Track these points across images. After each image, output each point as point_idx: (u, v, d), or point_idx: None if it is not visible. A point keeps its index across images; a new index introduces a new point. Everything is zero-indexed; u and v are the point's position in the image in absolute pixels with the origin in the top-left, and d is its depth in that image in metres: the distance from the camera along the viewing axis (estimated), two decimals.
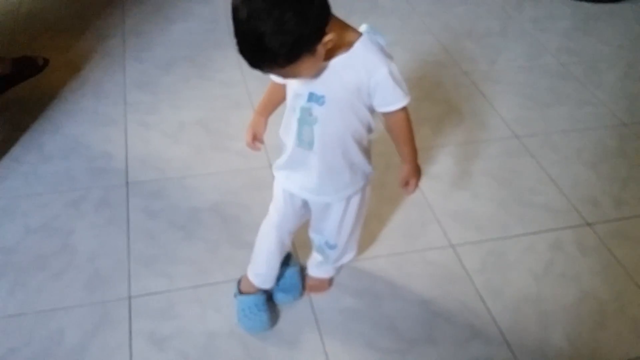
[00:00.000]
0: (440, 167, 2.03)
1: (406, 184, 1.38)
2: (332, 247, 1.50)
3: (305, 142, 1.24)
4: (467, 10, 2.90)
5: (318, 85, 1.16)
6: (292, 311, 1.57)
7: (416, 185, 1.38)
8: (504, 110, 2.28)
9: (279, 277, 1.55)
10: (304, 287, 1.61)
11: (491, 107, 2.30)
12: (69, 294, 1.59)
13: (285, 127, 1.28)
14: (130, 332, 1.51)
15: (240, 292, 1.53)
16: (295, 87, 1.20)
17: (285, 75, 1.13)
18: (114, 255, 1.69)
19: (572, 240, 1.80)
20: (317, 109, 1.19)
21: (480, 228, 1.82)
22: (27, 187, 1.89)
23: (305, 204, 1.40)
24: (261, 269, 1.50)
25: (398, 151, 1.34)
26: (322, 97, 1.17)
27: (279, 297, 1.57)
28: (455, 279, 1.68)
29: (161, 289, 1.61)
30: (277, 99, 1.33)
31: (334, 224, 1.43)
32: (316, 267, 1.60)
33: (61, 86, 2.29)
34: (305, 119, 1.21)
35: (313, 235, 1.52)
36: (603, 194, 1.96)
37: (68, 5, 2.79)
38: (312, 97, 1.18)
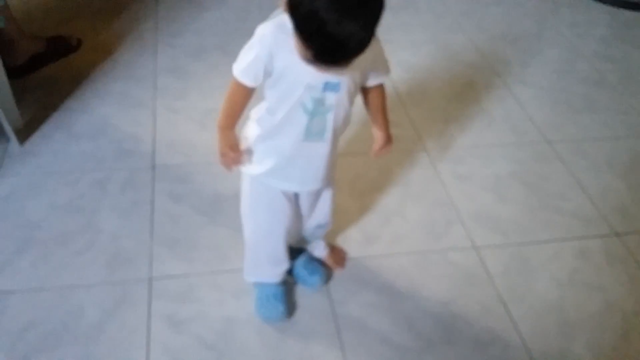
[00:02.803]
0: (467, 167, 2.00)
1: (379, 151, 1.40)
2: (323, 226, 1.54)
3: (314, 133, 1.23)
4: (503, 11, 2.86)
5: (332, 73, 1.14)
6: (310, 302, 1.56)
7: (389, 151, 1.41)
8: (535, 114, 2.25)
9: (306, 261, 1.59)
10: (327, 274, 1.62)
11: (523, 110, 2.27)
12: (90, 272, 1.60)
13: (276, 128, 1.23)
14: (149, 313, 1.51)
15: (258, 282, 1.53)
16: (306, 80, 1.14)
17: (346, 66, 1.08)
18: (136, 237, 1.70)
19: (599, 249, 1.77)
20: (331, 97, 1.18)
21: (505, 232, 1.80)
22: (55, 164, 1.91)
23: (294, 197, 1.40)
24: (283, 266, 1.50)
25: (376, 122, 1.38)
26: (338, 84, 1.16)
27: (302, 277, 1.59)
28: (477, 281, 1.65)
29: (181, 272, 1.61)
30: (240, 109, 1.25)
31: (326, 205, 1.47)
32: (317, 250, 1.62)
33: (93, 67, 2.31)
34: (318, 110, 1.19)
35: (301, 225, 1.52)
36: (633, 204, 1.92)
37: None
38: (327, 86, 1.16)
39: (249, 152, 1.30)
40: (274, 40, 1.12)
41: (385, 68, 1.27)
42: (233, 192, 1.83)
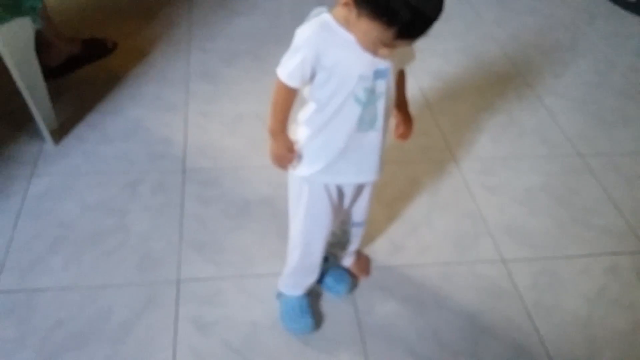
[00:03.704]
0: (497, 179, 1.99)
1: (404, 133, 1.39)
2: (360, 224, 1.54)
3: (366, 122, 1.24)
4: (537, 21, 2.84)
5: (380, 60, 1.15)
6: (335, 311, 1.57)
7: (412, 131, 1.40)
8: (567, 126, 2.22)
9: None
10: (353, 282, 1.62)
11: (554, 122, 2.24)
12: (120, 273, 1.63)
13: (327, 123, 1.24)
14: (176, 315, 1.53)
15: (280, 294, 1.54)
16: (358, 71, 1.16)
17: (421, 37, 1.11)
18: (166, 239, 1.72)
19: (629, 266, 1.74)
20: (381, 85, 1.19)
21: (534, 245, 1.78)
22: (88, 165, 1.94)
23: (340, 194, 1.39)
24: (314, 276, 1.51)
25: (401, 105, 1.36)
26: (387, 70, 1.18)
27: (328, 284, 1.60)
28: (504, 294, 1.64)
29: (209, 275, 1.63)
30: (289, 111, 1.27)
31: (365, 201, 1.47)
32: (345, 259, 1.63)
33: (127, 70, 2.35)
34: (370, 99, 1.20)
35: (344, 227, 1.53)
36: None
37: None
38: (377, 74, 1.17)
39: (301, 154, 1.31)
40: (320, 40, 1.14)
41: (413, 51, 1.28)
42: (261, 196, 1.86)
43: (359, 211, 1.50)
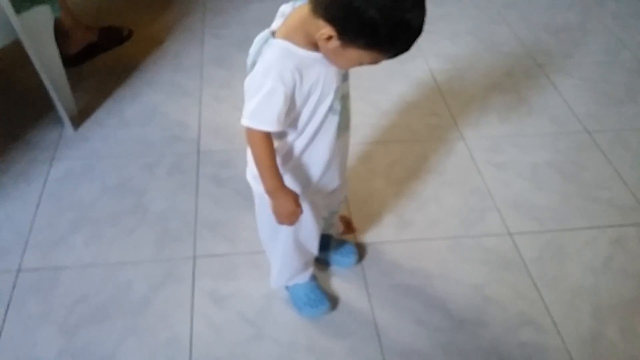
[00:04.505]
0: (504, 156, 2.02)
1: None
2: (337, 211, 1.56)
3: (342, 127, 1.23)
4: (547, 2, 2.85)
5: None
6: (345, 284, 1.62)
7: None
8: (576, 104, 2.24)
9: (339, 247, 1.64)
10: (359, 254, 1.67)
11: (563, 100, 2.26)
12: (139, 250, 1.69)
13: (308, 145, 1.21)
14: (193, 289, 1.60)
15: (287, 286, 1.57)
16: (334, 84, 1.13)
17: None
18: (182, 217, 1.78)
19: (635, 237, 1.77)
20: (345, 86, 1.19)
21: (541, 219, 1.81)
22: (107, 149, 2.01)
23: None
24: (313, 263, 1.54)
25: None
26: (347, 72, 1.18)
27: (337, 260, 1.64)
28: (511, 266, 1.68)
29: (223, 252, 1.69)
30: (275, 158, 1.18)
31: (343, 181, 1.46)
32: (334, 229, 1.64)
33: (143, 57, 2.42)
34: (344, 105, 1.20)
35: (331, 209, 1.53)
36: None
37: None
38: (344, 77, 1.17)
39: (291, 185, 1.25)
40: (293, 72, 1.06)
41: None
42: None
43: (342, 190, 1.48)
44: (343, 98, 1.19)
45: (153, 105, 2.19)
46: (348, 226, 1.73)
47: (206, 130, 2.09)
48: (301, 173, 1.26)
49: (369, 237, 1.74)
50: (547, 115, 2.20)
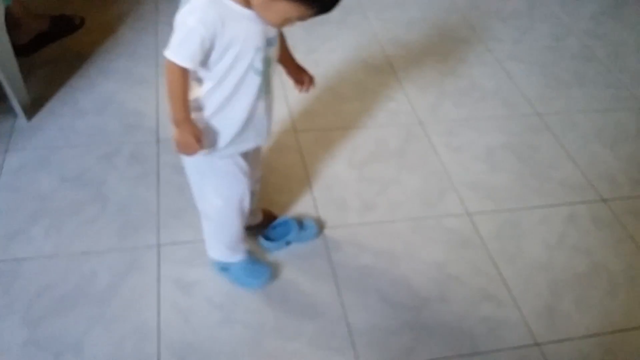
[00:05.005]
0: (460, 139, 2.08)
1: (302, 82, 1.46)
2: (259, 180, 1.59)
3: (263, 90, 1.27)
4: None
5: (269, 29, 1.19)
6: (310, 266, 1.64)
7: (312, 81, 1.47)
8: (526, 88, 2.32)
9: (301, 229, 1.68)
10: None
11: (514, 84, 2.34)
12: (101, 240, 1.67)
13: (228, 99, 1.25)
14: (158, 277, 1.59)
15: (224, 268, 1.59)
16: (254, 43, 1.18)
17: None
18: (144, 206, 1.77)
19: (586, 214, 1.85)
20: (272, 51, 1.24)
21: (497, 199, 1.88)
22: (63, 139, 1.97)
23: (245, 157, 1.42)
24: (243, 241, 1.56)
25: (289, 60, 1.43)
26: (275, 37, 1.23)
27: (297, 237, 1.67)
28: (470, 244, 1.74)
29: (188, 239, 1.68)
30: (187, 94, 1.23)
31: (259, 155, 1.52)
32: (255, 217, 1.68)
33: (96, 46, 2.37)
34: (266, 68, 1.24)
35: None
36: (620, 172, 2.00)
37: None
38: (269, 42, 1.21)
39: (205, 134, 1.29)
40: (215, 17, 1.11)
41: None
42: None
43: (258, 166, 1.53)
44: (267, 60, 1.22)
45: (109, 94, 2.15)
46: (269, 216, 1.73)
47: (165, 118, 2.06)
48: (218, 125, 1.30)
49: (333, 220, 1.76)
50: (499, 99, 2.27)
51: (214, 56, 1.17)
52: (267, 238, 1.66)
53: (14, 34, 2.03)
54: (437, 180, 1.92)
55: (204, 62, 1.17)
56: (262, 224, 1.70)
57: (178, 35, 1.14)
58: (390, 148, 2.02)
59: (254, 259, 1.60)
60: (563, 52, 2.55)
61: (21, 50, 2.13)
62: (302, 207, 1.79)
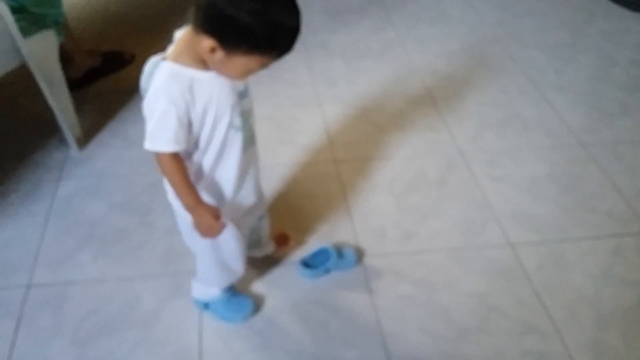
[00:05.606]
0: (502, 170, 2.06)
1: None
2: (264, 216, 1.59)
3: (249, 141, 1.27)
4: (537, 21, 2.92)
5: (237, 82, 1.18)
6: (349, 294, 1.65)
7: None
8: (569, 119, 2.30)
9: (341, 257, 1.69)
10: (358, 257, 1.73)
11: (557, 115, 2.32)
12: (146, 265, 1.72)
13: (215, 163, 1.25)
14: None
15: (206, 305, 1.59)
16: (229, 101, 1.17)
17: None
18: None
19: (633, 247, 1.81)
20: (246, 103, 1.23)
21: (541, 230, 1.85)
22: (112, 168, 2.04)
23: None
24: (241, 270, 1.53)
25: None
26: (246, 87, 1.22)
27: (338, 265, 1.68)
28: (513, 276, 1.71)
29: None
30: (187, 175, 1.23)
31: (261, 197, 1.51)
32: (268, 246, 1.69)
33: None
34: (245, 120, 1.23)
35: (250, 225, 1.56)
36: None
37: (152, 7, 2.97)
38: (241, 95, 1.20)
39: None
40: (182, 93, 1.11)
41: None
42: (274, 193, 1.94)
43: (259, 207, 1.52)
44: (244, 114, 1.22)
45: None
46: (282, 240, 1.74)
47: None
48: (215, 191, 1.30)
49: (373, 249, 1.77)
50: (542, 130, 2.25)
51: (195, 127, 1.16)
52: (306, 265, 1.68)
53: (67, 69, 2.13)
54: (478, 211, 1.91)
55: (189, 138, 1.16)
56: (276, 251, 1.72)
57: (152, 123, 1.13)
58: (430, 178, 2.03)
59: (232, 293, 1.58)
60: (607, 82, 2.52)
61: (74, 85, 2.24)
62: (342, 235, 1.81)
